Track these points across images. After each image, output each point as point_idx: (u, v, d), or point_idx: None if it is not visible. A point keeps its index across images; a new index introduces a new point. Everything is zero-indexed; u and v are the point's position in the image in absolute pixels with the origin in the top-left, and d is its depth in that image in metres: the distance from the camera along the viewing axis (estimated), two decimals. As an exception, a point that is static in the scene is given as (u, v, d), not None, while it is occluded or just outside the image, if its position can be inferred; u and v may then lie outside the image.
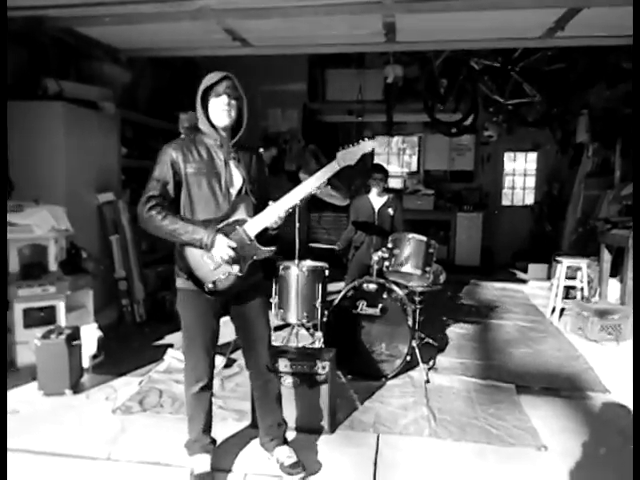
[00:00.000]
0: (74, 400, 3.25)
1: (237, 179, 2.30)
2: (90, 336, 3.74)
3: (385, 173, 4.54)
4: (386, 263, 3.77)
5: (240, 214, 2.25)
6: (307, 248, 5.23)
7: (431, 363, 3.94)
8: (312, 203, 6.86)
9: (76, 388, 3.36)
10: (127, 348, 4.21)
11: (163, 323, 4.86)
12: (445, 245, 8.27)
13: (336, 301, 3.70)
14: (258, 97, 7.84)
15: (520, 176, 9.18)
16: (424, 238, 3.73)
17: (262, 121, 8.04)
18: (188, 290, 2.30)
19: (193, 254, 2.22)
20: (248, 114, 2.31)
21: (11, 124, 4.17)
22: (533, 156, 9.00)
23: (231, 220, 2.24)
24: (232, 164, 2.29)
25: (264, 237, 2.29)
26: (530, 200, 9.05)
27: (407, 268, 3.69)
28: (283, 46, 5.06)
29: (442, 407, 3.23)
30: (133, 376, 3.63)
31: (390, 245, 3.80)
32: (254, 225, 2.25)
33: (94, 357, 3.74)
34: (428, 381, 3.60)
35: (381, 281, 3.71)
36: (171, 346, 4.16)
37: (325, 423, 2.86)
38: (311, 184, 2.26)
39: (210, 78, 2.22)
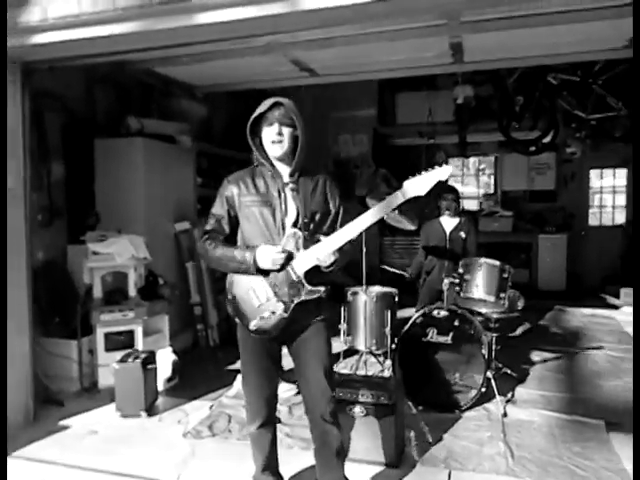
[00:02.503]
0: (148, 423, 3.37)
1: (292, 211, 2.15)
2: (165, 360, 3.88)
3: (456, 194, 4.40)
4: (457, 289, 3.63)
5: (289, 248, 2.11)
6: (379, 269, 5.19)
7: (509, 395, 3.70)
8: (384, 227, 6.80)
9: (150, 411, 3.47)
10: (201, 372, 4.31)
11: (236, 348, 4.91)
12: (526, 269, 7.88)
13: (405, 328, 3.59)
14: (329, 123, 7.98)
15: (609, 194, 8.58)
16: (497, 262, 3.58)
17: (333, 147, 8.15)
18: (242, 326, 2.23)
19: (240, 287, 2.17)
20: (307, 141, 2.17)
21: (97, 160, 4.54)
22: (623, 172, 8.38)
23: None
24: (289, 195, 2.16)
25: (320, 275, 2.13)
26: (621, 219, 8.41)
27: (479, 294, 3.54)
28: (349, 73, 5.11)
29: (521, 443, 3.01)
30: (205, 400, 3.71)
31: (461, 270, 3.67)
32: (302, 261, 2.09)
33: (169, 380, 3.88)
34: (505, 415, 3.38)
35: (452, 308, 3.56)
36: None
37: (392, 456, 2.74)
38: (367, 219, 2.07)
39: (261, 106, 2.13)
